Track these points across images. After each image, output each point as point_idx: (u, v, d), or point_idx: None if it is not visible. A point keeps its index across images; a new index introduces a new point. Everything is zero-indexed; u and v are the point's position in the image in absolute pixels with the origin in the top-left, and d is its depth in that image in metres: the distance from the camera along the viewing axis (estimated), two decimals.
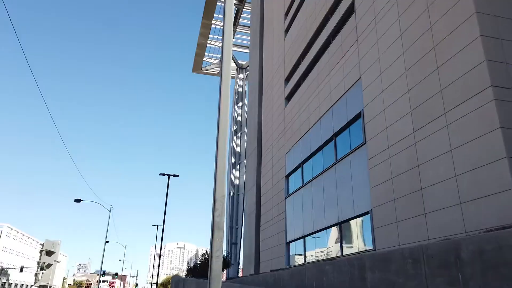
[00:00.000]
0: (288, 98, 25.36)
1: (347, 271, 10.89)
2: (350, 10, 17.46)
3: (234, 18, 49.10)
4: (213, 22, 47.66)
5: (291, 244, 22.52)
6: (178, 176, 37.21)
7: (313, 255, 19.40)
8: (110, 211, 44.72)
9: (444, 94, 10.67)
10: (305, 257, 20.28)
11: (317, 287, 13.83)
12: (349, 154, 16.01)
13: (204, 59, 54.42)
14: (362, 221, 14.89)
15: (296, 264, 21.23)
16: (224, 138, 4.90)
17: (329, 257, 17.24)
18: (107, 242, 47.27)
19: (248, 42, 45.25)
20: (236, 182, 48.91)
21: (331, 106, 18.14)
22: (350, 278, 10.76)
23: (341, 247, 16.46)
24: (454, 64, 10.36)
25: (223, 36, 5.66)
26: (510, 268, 6.04)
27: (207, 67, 57.19)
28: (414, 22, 12.32)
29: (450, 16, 10.69)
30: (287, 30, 27.21)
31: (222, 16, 47.53)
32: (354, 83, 16.08)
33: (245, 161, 43.50)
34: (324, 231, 18.17)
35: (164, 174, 36.49)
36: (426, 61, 11.52)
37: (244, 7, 46.85)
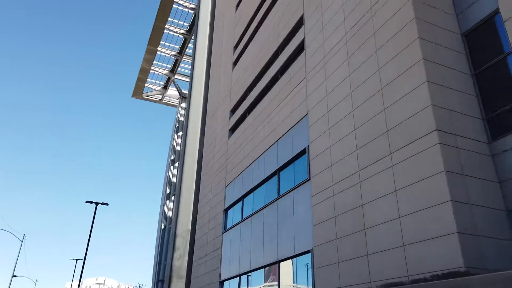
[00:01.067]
0: (233, 129, 24.92)
1: None
2: (301, 48, 17.77)
3: (181, 48, 48.75)
4: (158, 48, 46.84)
5: (225, 283, 21.27)
6: (107, 204, 34.36)
7: None
8: (22, 241, 39.84)
9: (390, 135, 10.79)
10: None
11: None
12: (293, 190, 15.67)
13: (146, 84, 52.92)
14: (303, 260, 14.36)
15: None
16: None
17: None
18: (15, 276, 41.72)
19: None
20: (170, 214, 46.60)
21: (277, 140, 17.92)
22: None
23: (279, 287, 15.69)
24: (401, 106, 10.58)
25: (193, 57, 4.96)
26: None
27: (148, 93, 55.60)
28: (362, 64, 12.63)
29: (398, 61, 11.05)
30: (235, 63, 27.22)
31: (167, 44, 47.03)
32: (301, 118, 16.06)
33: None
34: (262, 270, 17.34)
35: (91, 202, 33.51)
36: (373, 102, 11.72)
37: (192, 37, 46.76)
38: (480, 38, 10.94)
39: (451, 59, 10.74)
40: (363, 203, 11.28)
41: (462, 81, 10.53)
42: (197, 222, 27.93)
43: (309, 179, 14.49)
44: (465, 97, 10.29)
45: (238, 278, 19.47)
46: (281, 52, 19.85)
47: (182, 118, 52.62)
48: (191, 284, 25.83)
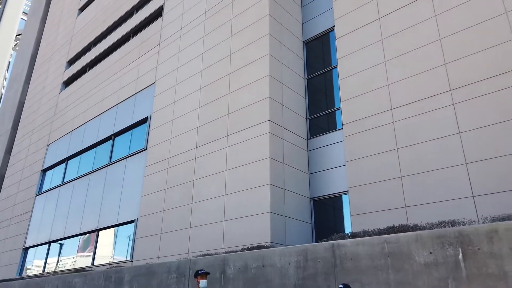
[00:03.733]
0: (67, 83, 22.22)
1: (102, 285, 9.84)
2: (159, 13, 17.01)
3: None
4: None
5: (30, 250, 19.08)
6: None
7: (57, 264, 16.91)
8: None
9: (230, 118, 11.45)
10: (45, 266, 17.48)
11: None
12: (126, 158, 15.06)
13: None
14: (124, 231, 14.03)
15: (33, 274, 18.01)
16: None
17: (77, 267, 15.36)
18: None
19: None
20: None
21: (117, 104, 16.84)
22: None
23: (94, 257, 14.98)
24: (243, 93, 11.33)
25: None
26: (270, 285, 6.62)
27: None
28: (217, 45, 12.95)
29: (248, 51, 11.75)
30: (82, 9, 24.20)
31: None
32: (147, 86, 15.48)
33: None
34: (77, 239, 16.21)
35: None
36: (220, 84, 12.20)
37: None
38: (316, 48, 12.57)
39: (292, 60, 12.03)
40: (195, 178, 11.71)
41: (297, 83, 11.94)
42: (3, 182, 24.06)
43: (146, 149, 14.18)
44: (297, 96, 11.70)
45: (47, 245, 17.71)
46: (137, 11, 18.61)
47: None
48: None
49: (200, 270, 5.76)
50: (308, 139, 11.50)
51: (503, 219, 5.44)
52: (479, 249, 4.87)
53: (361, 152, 9.56)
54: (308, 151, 11.36)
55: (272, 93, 10.76)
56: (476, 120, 7.99)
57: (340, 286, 5.11)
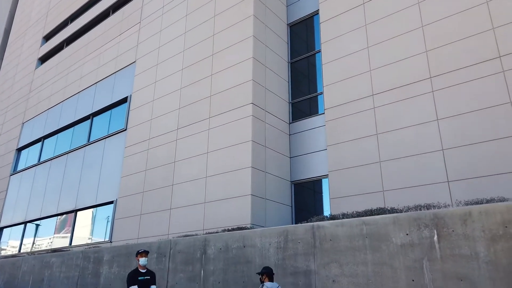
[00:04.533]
0: (43, 59, 21.46)
1: (80, 265, 9.75)
2: None
3: None
4: None
5: (5, 230, 18.70)
6: None
7: (33, 245, 16.65)
8: None
9: (212, 100, 11.36)
10: (21, 246, 17.20)
11: (34, 283, 11.77)
12: (105, 138, 14.79)
13: None
14: (103, 212, 13.90)
15: (7, 254, 17.70)
16: None
17: (54, 248, 15.18)
18: None
19: None
20: None
21: (96, 82, 16.41)
22: (81, 273, 9.66)
23: (72, 237, 14.82)
24: (227, 75, 11.22)
25: None
26: (250, 265, 6.72)
27: None
28: (200, 25, 12.72)
29: (231, 32, 11.59)
30: None
31: None
32: (128, 65, 15.12)
33: None
34: (54, 219, 15.96)
35: None
36: (203, 65, 12.03)
37: None
38: (300, 32, 12.51)
39: (276, 43, 11.95)
40: (176, 160, 11.63)
41: (280, 66, 11.90)
42: None
43: (126, 130, 13.95)
44: (280, 80, 11.68)
45: (23, 225, 17.39)
46: None
47: None
48: None
49: (140, 250, 6.29)
50: (290, 123, 11.55)
51: (476, 203, 5.66)
52: (453, 231, 5.07)
53: (342, 137, 9.69)
54: (290, 135, 11.42)
55: (256, 75, 10.70)
56: (454, 107, 8.19)
57: (262, 270, 5.77)
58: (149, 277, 6.16)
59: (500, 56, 7.92)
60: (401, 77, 9.15)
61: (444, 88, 8.44)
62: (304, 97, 11.65)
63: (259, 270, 6.36)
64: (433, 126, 8.34)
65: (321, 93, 11.12)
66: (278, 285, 5.69)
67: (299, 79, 12.12)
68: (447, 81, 8.44)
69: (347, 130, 9.66)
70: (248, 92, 10.48)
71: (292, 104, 11.81)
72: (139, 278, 6.00)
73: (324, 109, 10.34)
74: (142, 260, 6.17)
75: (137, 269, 6.20)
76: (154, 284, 6.19)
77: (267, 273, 5.66)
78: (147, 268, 6.25)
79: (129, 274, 6.18)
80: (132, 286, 5.89)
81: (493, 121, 7.66)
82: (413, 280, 5.26)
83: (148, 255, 7.73)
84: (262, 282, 5.68)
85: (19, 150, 20.09)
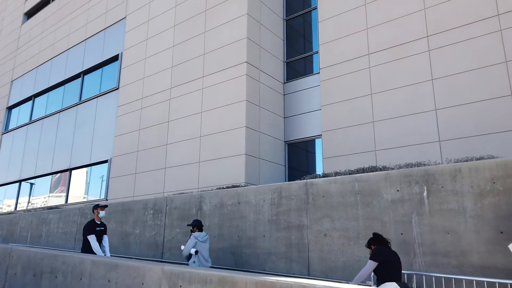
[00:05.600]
0: (30, 14, 20.67)
1: (77, 221, 9.95)
2: None
3: None
4: None
5: (0, 188, 18.82)
6: None
7: (29, 203, 16.85)
8: None
9: (206, 58, 11.16)
10: (17, 204, 17.40)
11: (32, 239, 12.03)
12: (97, 97, 14.60)
13: None
14: (97, 171, 13.98)
15: (4, 212, 17.92)
16: None
17: (49, 205, 15.38)
18: None
19: None
20: None
21: (86, 39, 15.96)
22: (79, 228, 9.87)
23: (67, 195, 14.99)
24: (220, 32, 10.96)
25: None
26: (245, 220, 6.91)
27: None
28: None
29: None
30: None
31: None
32: (118, 21, 14.66)
33: None
34: (49, 178, 16.05)
35: None
36: (196, 22, 11.70)
37: None
38: None
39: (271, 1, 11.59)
40: (170, 119, 11.59)
41: (276, 23, 11.62)
42: None
43: (118, 89, 13.75)
44: (275, 38, 11.45)
45: (18, 184, 17.49)
46: None
47: None
48: None
49: (99, 204, 6.94)
50: (284, 83, 11.46)
51: (466, 161, 5.79)
52: (442, 187, 5.22)
53: (337, 97, 9.68)
54: (284, 95, 11.37)
55: (250, 33, 10.47)
56: (449, 67, 8.16)
57: (193, 223, 6.45)
58: (103, 228, 6.82)
59: (498, 14, 7.81)
60: (398, 36, 9.03)
61: (440, 47, 8.37)
62: (299, 56, 11.49)
63: (254, 225, 6.54)
64: (428, 86, 8.35)
65: (317, 52, 10.96)
66: (206, 234, 6.44)
67: (294, 37, 11.90)
68: (444, 40, 8.35)
69: (342, 90, 9.63)
70: (243, 50, 10.29)
71: (287, 63, 11.66)
72: (97, 228, 6.65)
73: (319, 69, 10.24)
74: (102, 213, 6.80)
75: (93, 220, 6.79)
76: (106, 234, 6.86)
77: (197, 225, 6.45)
78: (101, 221, 6.87)
79: (87, 224, 6.77)
80: (91, 235, 6.47)
81: (488, 80, 7.68)
82: (401, 234, 5.47)
83: (136, 212, 8.10)
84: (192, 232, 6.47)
85: (10, 108, 19.81)
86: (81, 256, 5.00)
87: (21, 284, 5.51)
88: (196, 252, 6.16)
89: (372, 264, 4.28)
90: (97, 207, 6.82)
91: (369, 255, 4.46)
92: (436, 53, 8.39)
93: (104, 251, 6.64)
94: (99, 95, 14.56)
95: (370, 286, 4.94)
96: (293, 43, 11.83)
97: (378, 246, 4.43)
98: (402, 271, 4.57)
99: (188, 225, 6.72)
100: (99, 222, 6.74)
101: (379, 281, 4.31)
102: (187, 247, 6.23)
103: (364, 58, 9.44)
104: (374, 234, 4.59)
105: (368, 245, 4.56)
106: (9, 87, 19.99)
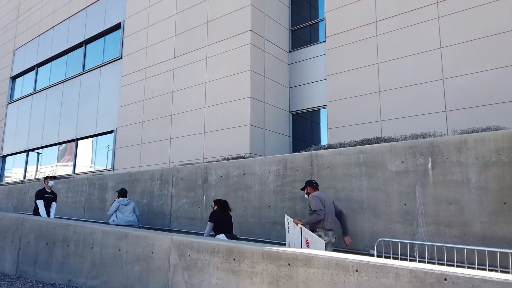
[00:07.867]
0: None
1: (85, 191, 10.14)
2: None
3: None
4: None
5: (8, 158, 19.09)
6: None
7: (36, 172, 17.13)
8: None
9: (209, 26, 10.95)
10: (25, 174, 17.70)
11: None
12: (100, 67, 14.49)
13: None
14: (103, 141, 14.09)
15: (14, 181, 18.28)
16: None
17: (58, 175, 15.64)
18: None
19: None
20: None
21: (86, 7, 15.64)
22: (88, 198, 10.08)
23: (75, 165, 15.20)
24: (223, 0, 10.69)
25: None
26: (250, 191, 7.01)
27: None
28: None
29: None
30: None
31: None
32: None
33: None
34: (56, 148, 16.23)
35: None
36: None
37: None
38: None
39: None
40: (174, 90, 11.54)
41: None
42: None
43: (121, 58, 13.61)
44: (280, 5, 11.16)
45: (26, 153, 17.72)
46: None
47: None
48: None
49: (49, 175, 7.97)
50: (289, 52, 11.27)
51: (472, 132, 5.77)
52: (447, 158, 5.24)
53: (343, 66, 9.53)
54: (289, 64, 11.21)
55: (254, 0, 10.20)
56: (458, 34, 7.97)
57: (118, 191, 8.20)
58: (52, 196, 7.97)
59: None
60: (406, 2, 8.76)
61: (450, 14, 8.13)
62: (304, 24, 11.24)
63: (259, 196, 6.64)
64: (436, 55, 8.19)
65: (323, 20, 10.70)
66: (129, 200, 8.02)
67: (300, 4, 11.58)
68: (454, 7, 8.10)
69: (348, 59, 9.47)
70: (247, 18, 10.07)
71: (292, 31, 11.42)
72: (45, 195, 7.79)
73: (326, 37, 10.03)
74: (51, 182, 7.98)
75: (44, 188, 7.96)
76: (55, 201, 8.02)
77: (121, 193, 8.15)
78: (51, 190, 8.04)
79: (38, 191, 7.88)
80: (39, 200, 7.63)
81: (497, 48, 7.51)
82: (405, 204, 5.55)
83: (144, 182, 8.84)
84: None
85: (14, 78, 19.75)
86: (92, 226, 5.14)
87: (35, 252, 5.71)
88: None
89: (209, 224, 6.06)
90: (46, 178, 8.01)
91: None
92: (446, 20, 8.16)
93: (49, 215, 7.71)
94: (102, 65, 14.44)
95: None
96: (299, 10, 11.54)
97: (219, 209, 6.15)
98: (405, 240, 4.70)
99: (117, 191, 8.40)
100: (49, 191, 7.91)
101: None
102: (111, 209, 7.96)
103: (371, 25, 9.22)
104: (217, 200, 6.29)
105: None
106: (12, 57, 19.84)
